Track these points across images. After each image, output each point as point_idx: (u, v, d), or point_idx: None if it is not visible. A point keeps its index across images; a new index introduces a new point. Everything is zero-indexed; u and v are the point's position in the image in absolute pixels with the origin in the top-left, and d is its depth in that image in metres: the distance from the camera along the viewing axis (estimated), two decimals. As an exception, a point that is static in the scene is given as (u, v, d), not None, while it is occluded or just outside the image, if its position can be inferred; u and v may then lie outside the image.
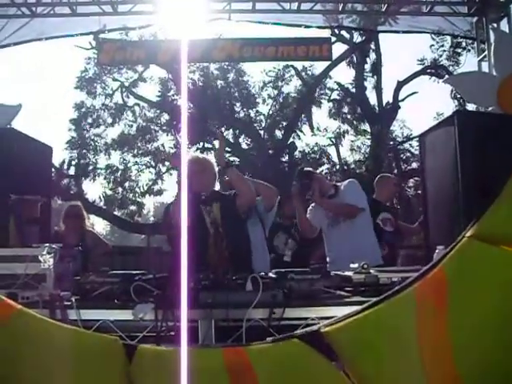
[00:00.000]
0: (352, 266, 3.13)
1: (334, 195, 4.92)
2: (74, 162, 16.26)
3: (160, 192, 17.20)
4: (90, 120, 16.43)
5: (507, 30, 6.75)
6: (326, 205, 4.89)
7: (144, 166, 16.95)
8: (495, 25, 6.88)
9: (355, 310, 2.13)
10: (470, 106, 10.30)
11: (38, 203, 3.58)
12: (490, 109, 6.10)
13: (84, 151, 16.36)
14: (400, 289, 2.13)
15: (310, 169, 5.34)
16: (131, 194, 16.85)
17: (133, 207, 17.02)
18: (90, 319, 2.57)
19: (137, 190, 16.88)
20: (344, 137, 16.66)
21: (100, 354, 2.08)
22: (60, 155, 15.90)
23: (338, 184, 5.09)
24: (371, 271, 3.00)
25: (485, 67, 7.00)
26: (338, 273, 3.16)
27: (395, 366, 2.02)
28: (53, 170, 14.10)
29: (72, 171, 16.33)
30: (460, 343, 2.00)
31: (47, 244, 2.91)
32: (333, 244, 4.96)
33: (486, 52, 6.94)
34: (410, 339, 2.02)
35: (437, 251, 2.85)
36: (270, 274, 2.85)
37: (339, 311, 2.47)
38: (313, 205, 5.00)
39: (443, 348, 2.01)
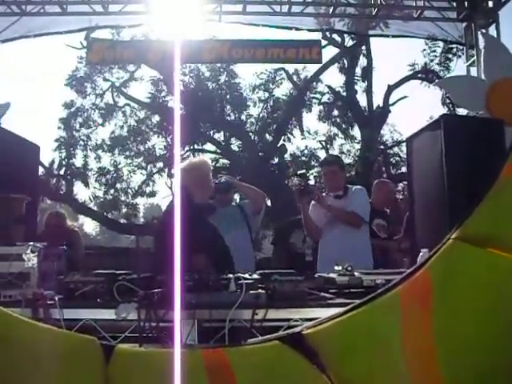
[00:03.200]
0: (336, 268, 3.14)
1: (341, 196, 4.86)
2: (64, 162, 16.17)
3: (152, 194, 17.18)
4: (80, 120, 16.35)
5: (495, 36, 6.81)
6: (328, 207, 4.80)
7: (136, 168, 16.91)
8: (484, 31, 6.94)
9: (338, 311, 2.12)
10: (460, 112, 10.35)
11: (23, 202, 3.55)
12: (479, 113, 6.14)
13: (74, 151, 16.28)
14: (384, 291, 2.12)
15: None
16: (123, 196, 16.78)
17: (125, 209, 16.97)
18: (74, 318, 2.56)
19: (128, 191, 16.83)
20: (334, 140, 16.74)
21: (77, 354, 2.05)
22: (50, 155, 15.85)
23: (349, 186, 5.00)
24: (355, 273, 3.02)
25: (473, 72, 7.06)
26: (322, 274, 3.17)
27: (379, 369, 2.00)
28: (42, 169, 14.08)
29: (62, 171, 16.24)
30: (444, 346, 1.99)
31: (31, 243, 2.90)
32: (326, 245, 4.89)
33: (475, 57, 6.99)
34: (394, 341, 2.01)
35: (421, 254, 2.86)
36: (255, 275, 2.85)
37: (323, 313, 2.48)
38: (313, 202, 4.91)
39: (427, 350, 2.00)
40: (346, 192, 4.87)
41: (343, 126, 16.55)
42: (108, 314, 2.56)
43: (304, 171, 4.93)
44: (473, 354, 2.00)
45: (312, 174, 15.59)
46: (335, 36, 14.33)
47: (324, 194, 4.92)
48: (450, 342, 2.00)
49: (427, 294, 2.05)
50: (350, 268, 3.03)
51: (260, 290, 2.61)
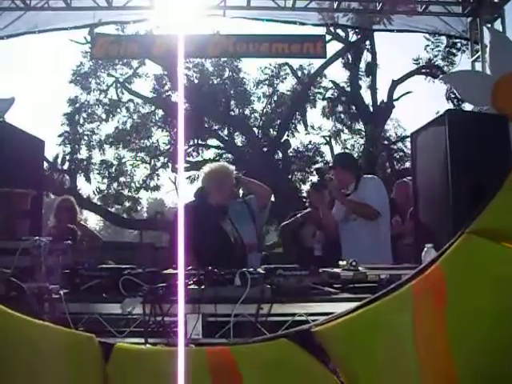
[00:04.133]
0: (341, 263, 3.15)
1: (352, 191, 4.81)
2: (67, 157, 16.19)
3: (156, 188, 17.19)
4: (84, 115, 16.37)
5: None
6: (343, 200, 4.78)
7: (139, 162, 16.94)
8: (489, 25, 6.90)
9: (348, 308, 2.05)
10: (465, 107, 10.32)
11: (28, 196, 3.56)
12: (484, 108, 6.11)
13: (78, 146, 16.30)
14: (396, 286, 2.07)
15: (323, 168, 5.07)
16: (126, 190, 16.80)
17: (128, 203, 16.98)
18: (79, 312, 2.58)
19: (132, 185, 16.86)
20: (338, 136, 16.71)
21: (74, 352, 2.00)
22: (54, 150, 15.87)
23: (362, 177, 4.92)
24: (360, 268, 3.02)
25: (478, 68, 7.02)
26: (327, 269, 3.17)
27: (390, 366, 1.96)
28: (46, 164, 14.09)
29: (66, 166, 16.25)
30: (459, 341, 1.96)
31: (37, 237, 2.91)
32: (344, 241, 4.84)
33: (480, 53, 6.95)
34: (407, 338, 1.97)
35: (425, 249, 2.86)
36: (259, 270, 2.85)
37: (327, 307, 2.48)
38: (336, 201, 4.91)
39: (441, 347, 1.97)
40: (356, 186, 4.79)
41: (347, 121, 16.54)
42: (113, 309, 2.58)
43: (321, 166, 4.80)
44: (489, 350, 1.97)
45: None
46: (339, 31, 14.33)
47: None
48: (465, 337, 1.97)
49: (441, 289, 2.01)
50: (354, 263, 3.03)
51: (265, 285, 2.62)
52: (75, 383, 1.99)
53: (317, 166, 4.94)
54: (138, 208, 18.25)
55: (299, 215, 5.20)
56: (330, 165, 5.03)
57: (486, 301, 1.99)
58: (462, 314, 1.98)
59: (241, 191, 5.43)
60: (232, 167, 4.56)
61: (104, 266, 2.98)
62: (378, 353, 1.97)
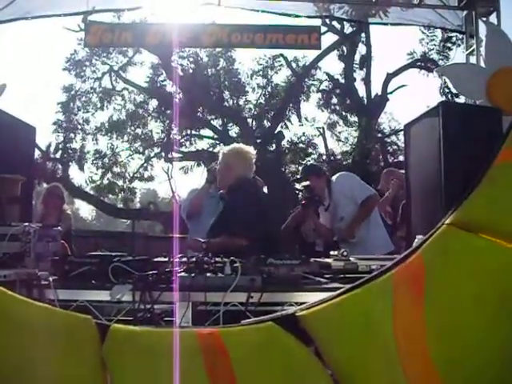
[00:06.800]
0: (332, 253, 3.14)
1: (328, 206, 5.04)
2: (60, 146, 16.11)
3: (150, 178, 17.15)
4: (78, 103, 16.27)
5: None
6: (352, 232, 4.93)
7: (133, 152, 16.87)
8: (484, 19, 6.88)
9: (331, 294, 2.13)
10: (459, 101, 10.30)
11: (18, 182, 3.54)
12: (478, 102, 6.10)
13: (71, 135, 16.22)
14: (377, 275, 2.14)
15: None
16: (120, 180, 16.76)
17: (122, 193, 16.94)
18: (68, 299, 2.56)
19: (126, 175, 16.81)
20: (332, 128, 16.71)
21: (71, 333, 2.04)
22: (47, 138, 15.78)
23: (332, 181, 5.11)
24: (351, 258, 3.02)
25: (472, 61, 7.00)
26: (318, 259, 3.17)
27: (370, 351, 2.02)
28: (38, 152, 14.03)
29: (58, 155, 16.17)
30: (435, 329, 2.02)
31: (26, 223, 2.90)
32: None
33: (474, 46, 6.94)
34: (386, 324, 2.03)
35: (416, 240, 2.85)
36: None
37: (317, 297, 2.47)
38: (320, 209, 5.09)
39: (418, 333, 2.02)
40: (330, 190, 5.03)
41: (341, 113, 16.53)
42: (103, 296, 2.56)
43: (308, 183, 4.86)
44: (463, 336, 2.03)
45: (309, 161, 15.63)
46: (335, 23, 14.28)
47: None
48: (442, 326, 2.03)
49: (420, 278, 2.07)
50: (345, 253, 3.04)
51: (255, 274, 2.61)
52: (73, 363, 2.02)
53: (303, 183, 4.91)
54: (133, 198, 18.22)
55: (297, 211, 5.20)
56: (302, 176, 5.13)
57: (463, 290, 2.06)
58: (440, 303, 2.05)
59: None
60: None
61: (93, 253, 2.96)
62: (359, 337, 2.03)
